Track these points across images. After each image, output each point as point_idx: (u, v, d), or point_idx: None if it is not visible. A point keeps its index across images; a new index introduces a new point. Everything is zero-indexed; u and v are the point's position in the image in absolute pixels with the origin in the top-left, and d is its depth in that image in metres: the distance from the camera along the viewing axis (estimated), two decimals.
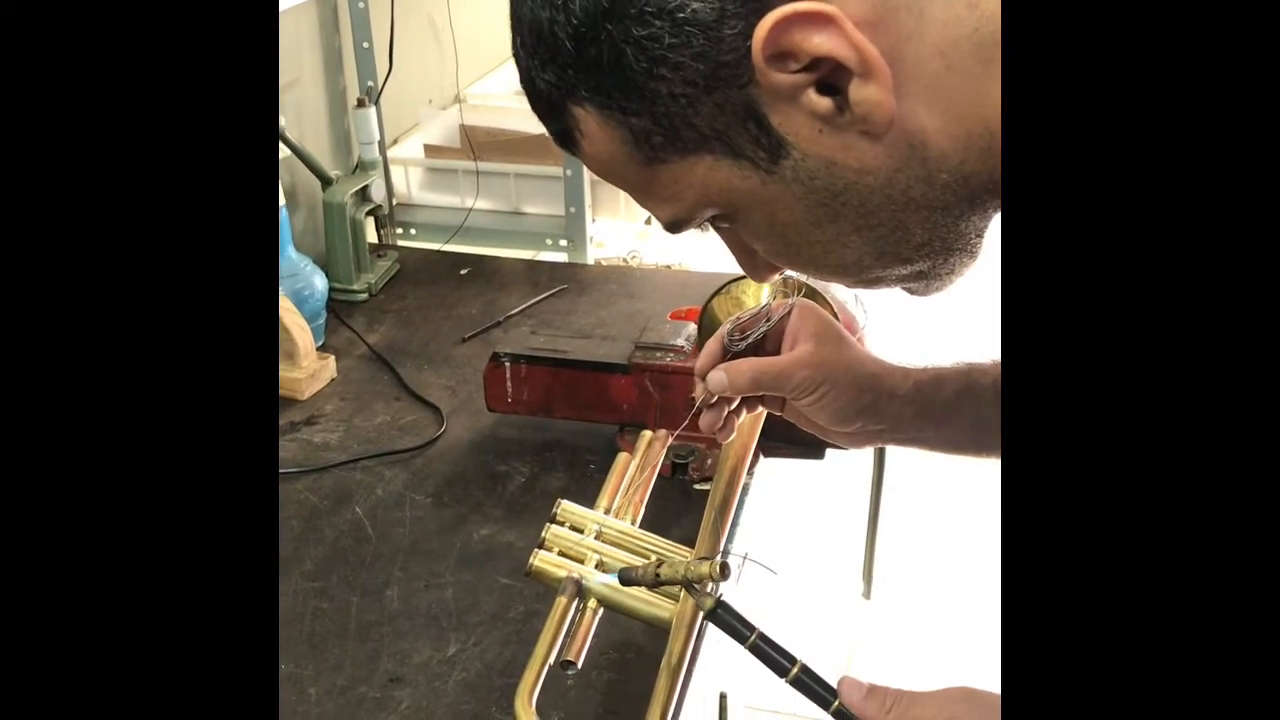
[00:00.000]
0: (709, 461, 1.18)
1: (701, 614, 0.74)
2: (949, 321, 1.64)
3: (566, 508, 0.88)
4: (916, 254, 0.58)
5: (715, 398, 0.82)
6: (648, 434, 0.99)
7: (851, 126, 0.52)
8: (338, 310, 1.53)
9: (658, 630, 0.83)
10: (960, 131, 0.53)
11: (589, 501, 0.93)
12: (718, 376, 0.81)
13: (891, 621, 1.74)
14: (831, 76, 0.51)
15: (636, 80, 0.53)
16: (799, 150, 0.54)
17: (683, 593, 0.79)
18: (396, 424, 1.30)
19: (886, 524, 1.32)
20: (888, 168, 0.54)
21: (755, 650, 0.73)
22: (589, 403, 1.23)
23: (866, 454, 1.49)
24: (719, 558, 0.73)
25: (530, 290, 1.61)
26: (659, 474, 1.11)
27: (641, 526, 0.92)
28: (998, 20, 0.50)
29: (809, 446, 1.20)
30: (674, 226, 0.60)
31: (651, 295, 1.60)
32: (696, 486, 1.18)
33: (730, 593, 1.10)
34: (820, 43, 0.50)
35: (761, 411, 0.96)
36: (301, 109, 1.65)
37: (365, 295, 1.58)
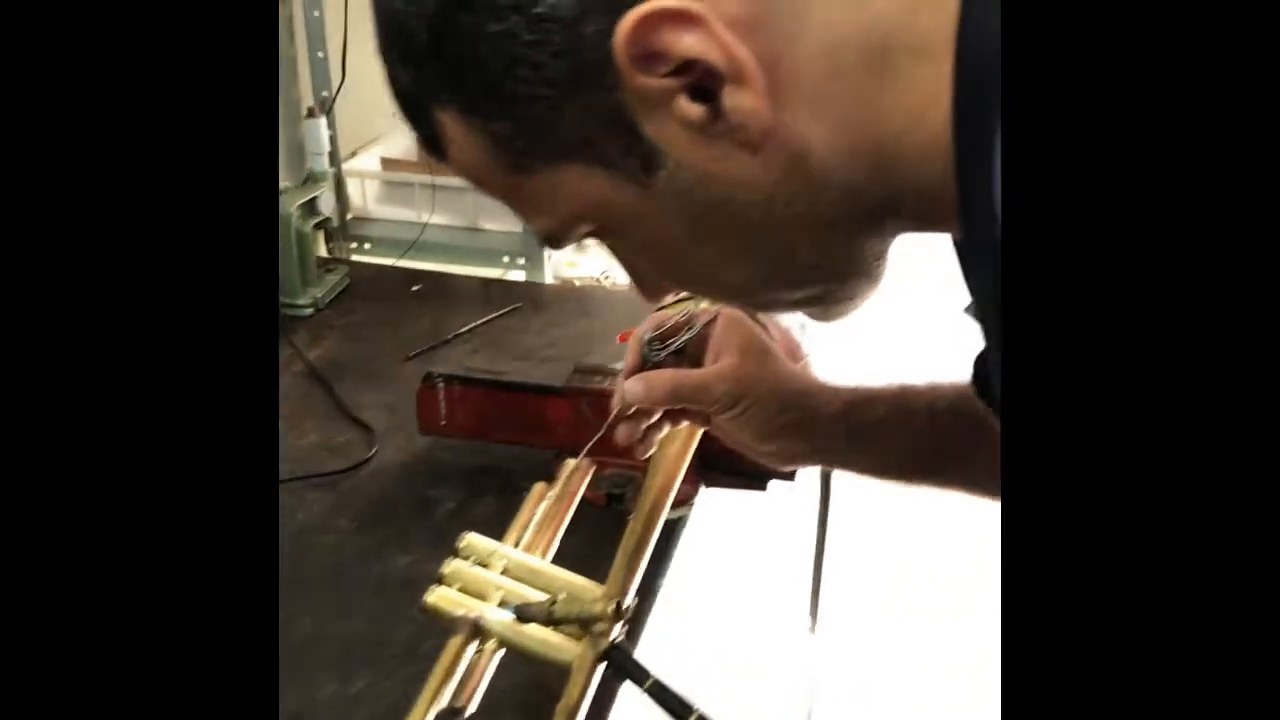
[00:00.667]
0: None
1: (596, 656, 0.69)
2: (893, 346, 1.59)
3: (471, 541, 0.83)
4: (806, 276, 0.54)
5: (633, 409, 0.78)
6: (570, 462, 0.94)
7: (726, 136, 0.48)
8: (280, 325, 1.49)
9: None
10: (845, 144, 0.48)
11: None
12: (634, 386, 0.76)
13: (839, 655, 1.69)
14: (703, 81, 0.47)
15: (493, 81, 0.48)
16: (673, 160, 0.49)
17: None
18: (328, 444, 1.25)
19: (833, 556, 1.26)
20: (767, 181, 0.49)
21: (654, 694, 0.68)
22: (524, 425, 1.18)
23: (811, 485, 1.44)
24: (617, 596, 0.68)
25: (483, 308, 1.56)
26: (594, 504, 1.06)
27: (571, 561, 0.87)
28: (890, 21, 0.46)
29: (751, 477, 1.15)
30: (550, 240, 0.56)
31: (607, 316, 1.55)
32: (630, 516, 1.12)
33: (667, 629, 1.05)
34: (689, 44, 0.45)
35: (690, 432, 0.91)
36: None
37: (310, 310, 1.54)
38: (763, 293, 0.55)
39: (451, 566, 0.80)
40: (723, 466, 1.12)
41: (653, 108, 0.48)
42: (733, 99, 0.46)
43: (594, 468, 0.95)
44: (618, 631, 0.70)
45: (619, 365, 1.17)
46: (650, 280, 0.60)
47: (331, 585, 1.04)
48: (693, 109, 0.47)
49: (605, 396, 1.15)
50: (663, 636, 1.04)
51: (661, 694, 0.68)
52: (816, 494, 1.36)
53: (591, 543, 1.08)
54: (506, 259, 1.71)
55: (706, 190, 0.50)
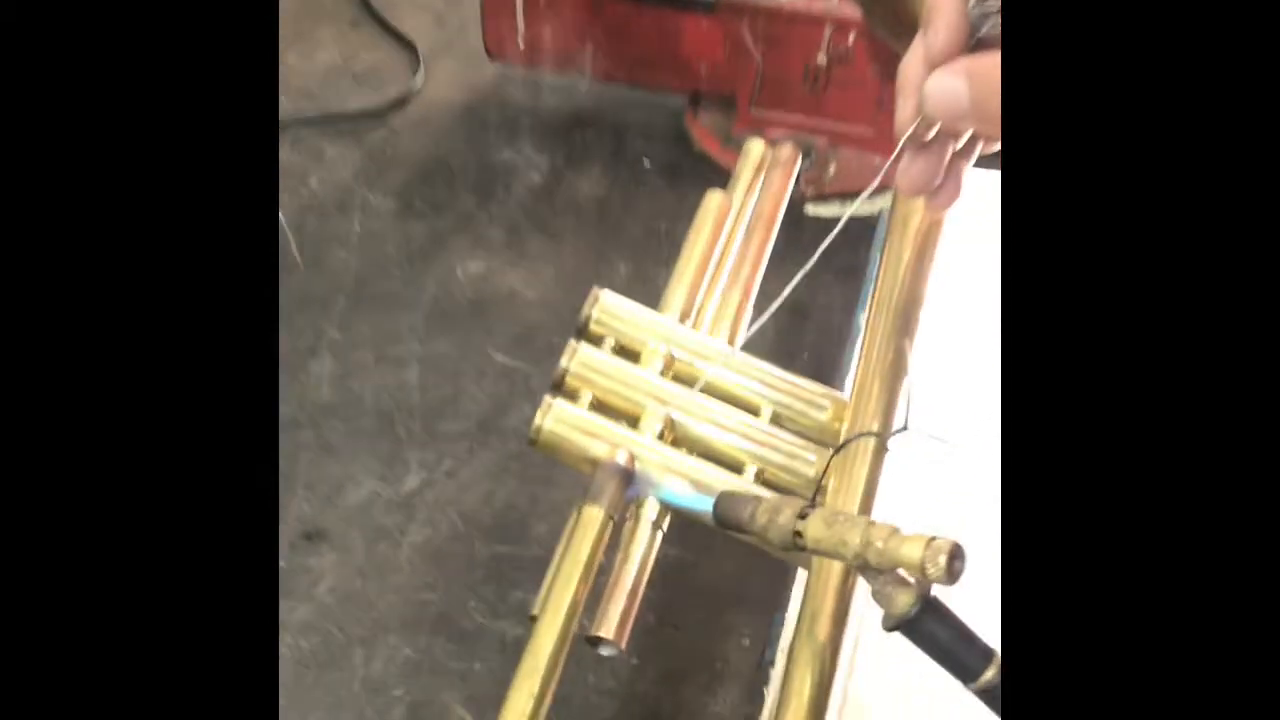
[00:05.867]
0: (831, 169, 0.75)
1: (893, 614, 0.35)
2: None
3: (607, 308, 0.46)
4: None
5: (935, 129, 0.40)
6: (757, 146, 0.55)
7: None
8: None
9: None
10: None
11: (639, 229, 0.53)
12: (951, 87, 0.38)
13: None
14: None
15: None
16: None
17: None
18: (350, 68, 0.85)
19: None
20: None
21: (990, 697, 0.35)
22: (647, 57, 0.78)
23: None
24: (943, 541, 0.32)
25: None
26: None
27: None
28: None
29: None
30: None
31: None
32: (810, 210, 0.75)
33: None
34: None
35: None
36: None
37: None
38: None
39: (578, 360, 0.44)
40: None
41: None
42: None
43: (796, 156, 0.56)
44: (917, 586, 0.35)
45: None
46: None
47: (362, 305, 0.69)
48: None
49: (780, 20, 0.73)
50: None
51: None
52: None
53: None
54: None
55: None
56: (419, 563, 0.57)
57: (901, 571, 0.35)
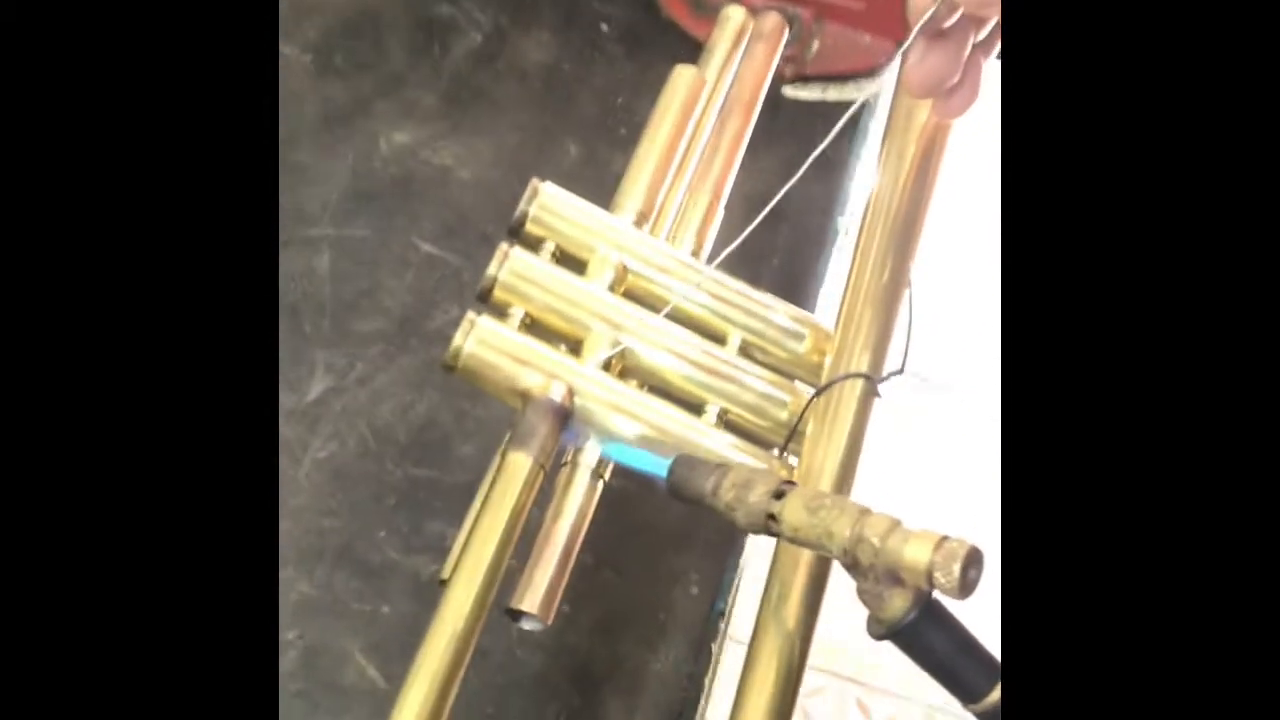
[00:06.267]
0: (815, 46, 0.66)
1: (884, 619, 0.28)
2: None
3: (549, 205, 0.38)
4: None
5: (956, 14, 0.32)
6: (736, 13, 0.46)
7: None
8: None
9: None
10: None
11: (593, 103, 0.45)
12: None
13: None
14: None
15: None
16: None
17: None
18: None
19: None
20: None
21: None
22: None
23: None
24: (957, 544, 0.25)
25: None
26: None
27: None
28: None
29: None
30: None
31: None
32: (788, 92, 0.66)
33: None
34: None
35: None
36: None
37: None
38: None
39: (511, 265, 0.36)
40: None
41: None
42: None
43: (782, 28, 0.47)
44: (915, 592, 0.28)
45: None
46: None
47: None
48: None
49: None
50: None
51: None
52: None
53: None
54: None
55: None
56: (321, 483, 0.50)
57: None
